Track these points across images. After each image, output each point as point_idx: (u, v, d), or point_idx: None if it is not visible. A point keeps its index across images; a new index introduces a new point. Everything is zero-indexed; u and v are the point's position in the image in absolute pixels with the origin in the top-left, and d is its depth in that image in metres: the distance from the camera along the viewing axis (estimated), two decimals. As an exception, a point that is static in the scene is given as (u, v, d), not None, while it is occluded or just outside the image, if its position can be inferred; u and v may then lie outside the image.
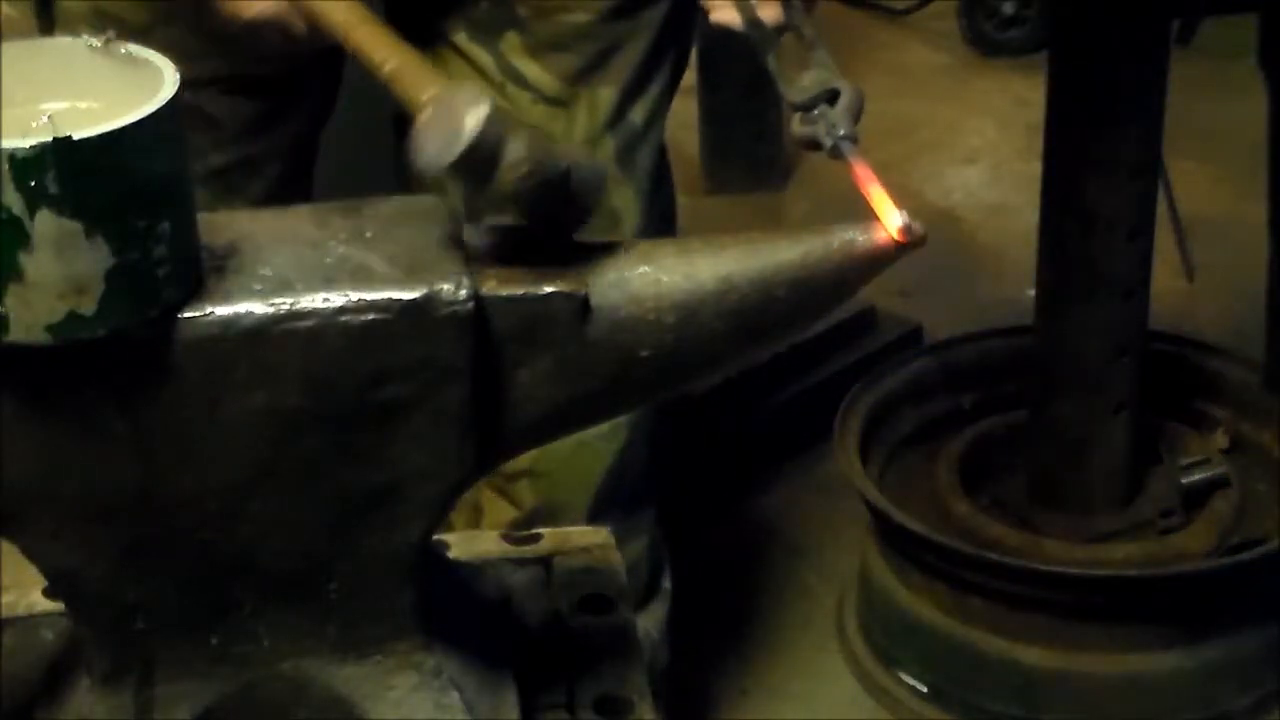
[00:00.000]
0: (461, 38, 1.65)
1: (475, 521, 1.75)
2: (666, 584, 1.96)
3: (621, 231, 1.67)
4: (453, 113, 0.96)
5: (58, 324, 0.85)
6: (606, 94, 1.67)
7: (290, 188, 1.67)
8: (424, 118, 0.98)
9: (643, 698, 1.13)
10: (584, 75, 1.65)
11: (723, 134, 3.65)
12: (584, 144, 1.66)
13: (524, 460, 1.73)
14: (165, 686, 1.00)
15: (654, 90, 1.70)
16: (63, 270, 0.84)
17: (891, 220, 1.01)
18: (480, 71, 1.65)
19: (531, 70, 1.64)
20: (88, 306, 0.85)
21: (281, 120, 1.65)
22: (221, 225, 0.97)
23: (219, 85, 1.57)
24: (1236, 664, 2.14)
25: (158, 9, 1.53)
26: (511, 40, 1.64)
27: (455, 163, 0.95)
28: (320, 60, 1.66)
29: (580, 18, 1.64)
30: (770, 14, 1.22)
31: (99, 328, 0.86)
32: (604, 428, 1.76)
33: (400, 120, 1.80)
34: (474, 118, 0.95)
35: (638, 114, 1.69)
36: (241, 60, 1.57)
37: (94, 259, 0.84)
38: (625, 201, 1.70)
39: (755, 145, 3.63)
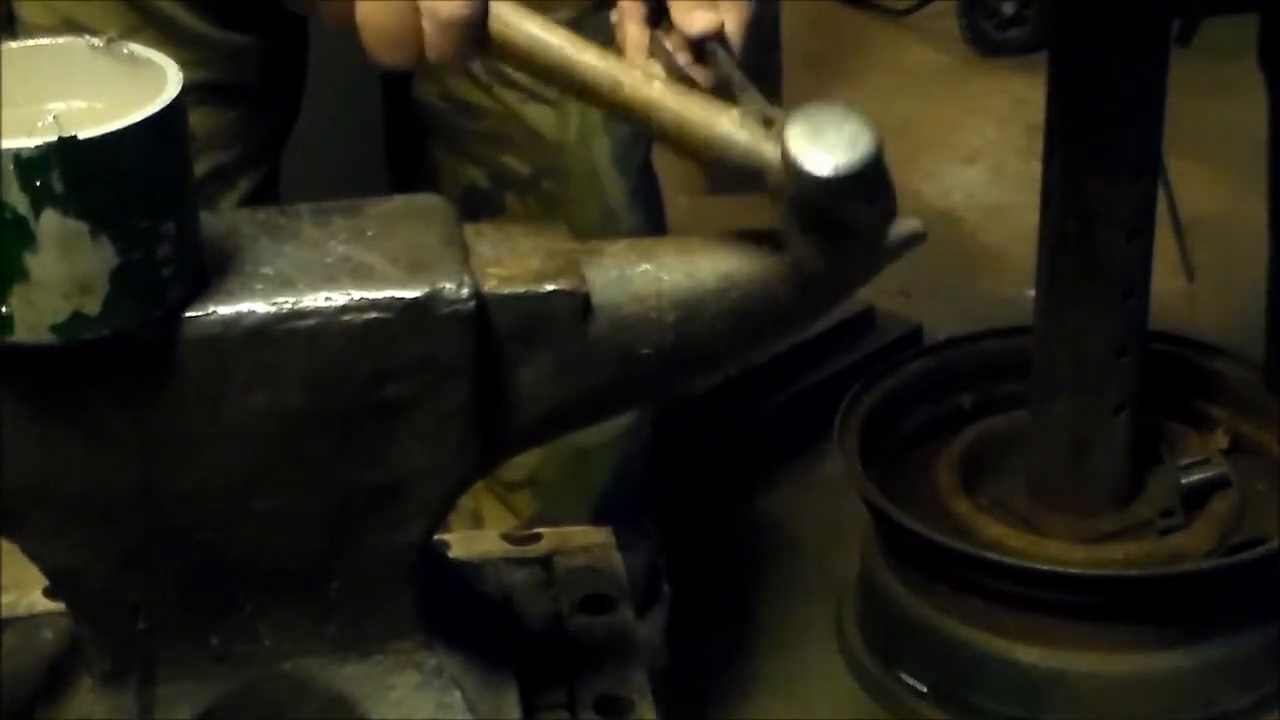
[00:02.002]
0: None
1: (475, 529, 1.75)
2: (665, 588, 1.96)
3: (618, 230, 1.67)
4: (833, 119, 0.94)
5: (62, 324, 0.85)
6: None
7: (261, 200, 1.65)
8: (797, 129, 0.95)
9: (643, 698, 1.13)
10: None
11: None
12: (578, 143, 1.66)
13: (524, 470, 1.73)
14: (167, 686, 1.01)
15: None
16: (68, 270, 0.84)
17: None
18: (467, 73, 1.64)
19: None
20: (92, 306, 0.85)
21: (252, 130, 1.64)
22: (222, 224, 0.97)
23: (192, 95, 1.56)
24: (1236, 664, 2.14)
25: (129, 18, 1.52)
26: None
27: (865, 168, 0.93)
28: (290, 65, 1.66)
29: (562, 15, 1.62)
30: (699, 72, 1.21)
31: (103, 327, 0.86)
32: (605, 438, 1.76)
33: (393, 122, 1.80)
34: (865, 123, 0.94)
35: None
36: (216, 69, 1.56)
37: (99, 259, 0.84)
38: (620, 200, 1.69)
39: None
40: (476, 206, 1.66)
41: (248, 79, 1.60)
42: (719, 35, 1.12)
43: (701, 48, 1.12)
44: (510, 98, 1.64)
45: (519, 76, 1.64)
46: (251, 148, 1.64)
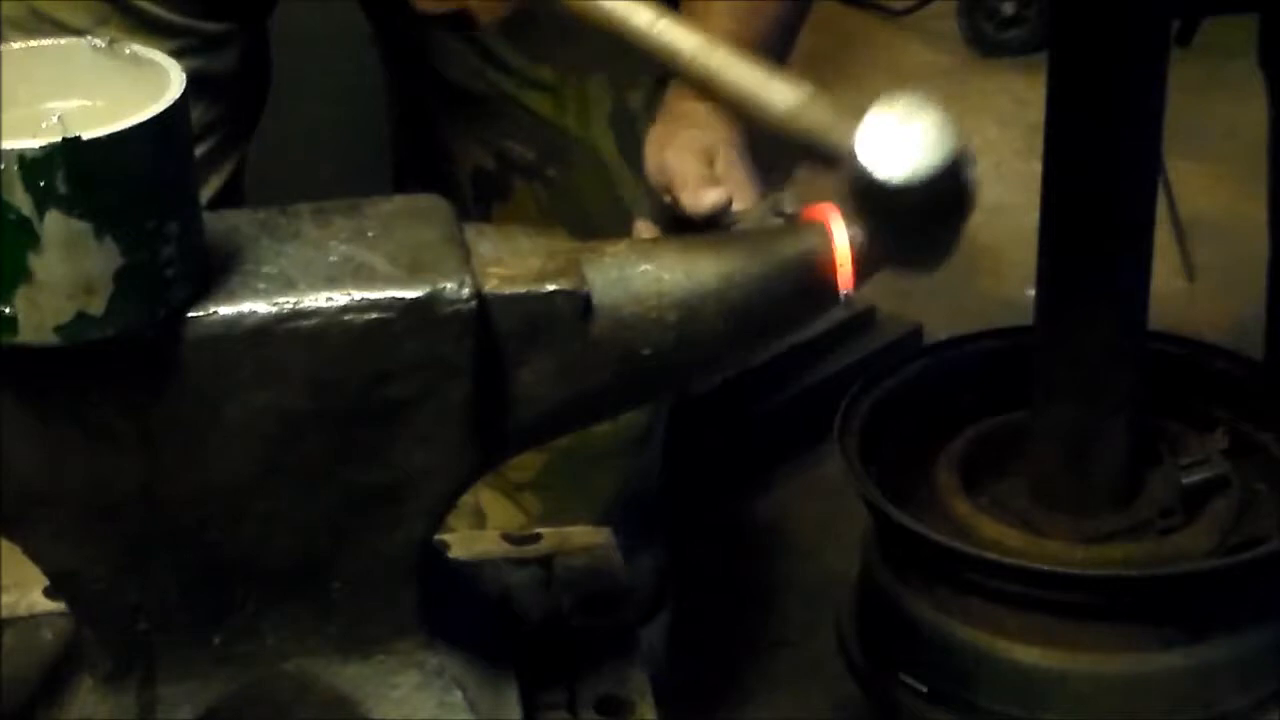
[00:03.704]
0: (441, 26, 1.64)
1: (477, 527, 1.74)
2: (670, 592, 1.96)
3: (634, 227, 1.66)
4: (917, 117, 0.91)
5: (66, 325, 0.85)
6: (599, 81, 1.65)
7: (228, 198, 1.64)
8: (874, 126, 0.91)
9: (643, 698, 1.14)
10: (569, 59, 1.63)
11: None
12: (579, 130, 1.65)
13: (530, 473, 1.72)
14: (168, 686, 1.01)
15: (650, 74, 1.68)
16: (72, 271, 0.84)
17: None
18: (461, 59, 1.63)
19: (512, 55, 1.63)
20: (96, 307, 0.85)
21: (221, 124, 1.62)
22: (223, 224, 0.97)
23: None
24: (1236, 664, 2.13)
25: (97, 10, 1.51)
26: (493, 24, 1.62)
27: (947, 174, 0.89)
28: (256, 56, 1.64)
29: None
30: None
31: (107, 328, 0.86)
32: (614, 448, 1.75)
33: (397, 108, 1.80)
34: (949, 127, 0.90)
35: (635, 100, 1.67)
36: (186, 59, 1.55)
37: (103, 259, 0.84)
38: (633, 195, 1.68)
39: (755, 146, 3.61)
40: (485, 189, 1.66)
41: (216, 70, 1.58)
42: (728, 209, 1.12)
43: (716, 225, 1.12)
44: (506, 83, 1.63)
45: (513, 61, 1.63)
46: (221, 142, 1.62)
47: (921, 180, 0.90)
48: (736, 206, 1.16)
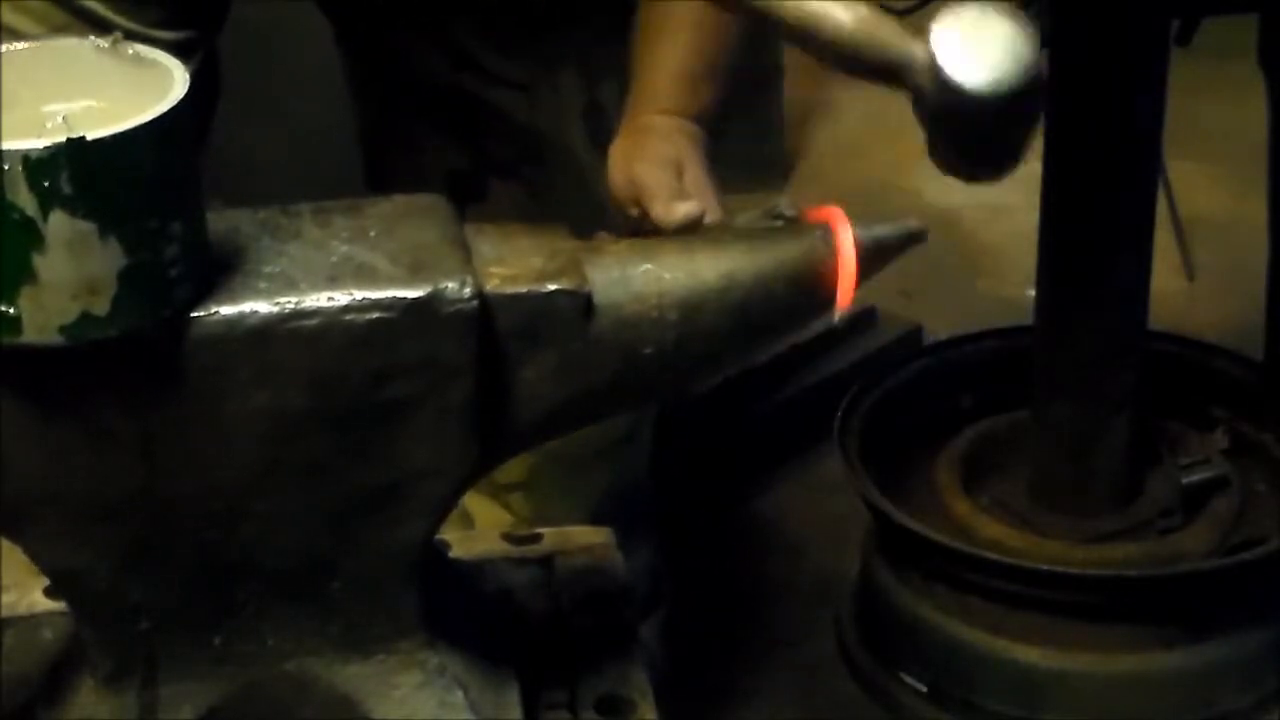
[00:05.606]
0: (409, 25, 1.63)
1: (465, 529, 1.74)
2: (666, 590, 1.96)
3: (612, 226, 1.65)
4: (992, 19, 0.87)
5: (71, 325, 0.85)
6: (569, 77, 1.64)
7: None
8: (950, 31, 0.87)
9: (644, 698, 1.14)
10: (540, 53, 1.62)
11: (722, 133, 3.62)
12: (551, 130, 1.64)
13: (517, 475, 1.72)
14: (169, 686, 1.01)
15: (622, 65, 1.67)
16: (76, 271, 0.84)
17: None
18: (431, 60, 1.62)
19: (484, 54, 1.62)
20: (101, 307, 0.85)
21: None
22: (224, 224, 0.97)
23: None
24: (1236, 664, 2.13)
25: (53, 16, 1.50)
26: (464, 22, 1.61)
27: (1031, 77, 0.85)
28: (207, 69, 1.63)
29: None
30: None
31: (112, 328, 0.86)
32: (599, 447, 1.75)
33: (368, 125, 1.78)
34: (1024, 27, 0.86)
35: (607, 95, 1.66)
36: None
37: (107, 259, 0.84)
38: (606, 191, 1.68)
39: (755, 145, 3.62)
40: (460, 191, 1.65)
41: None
42: (699, 222, 1.11)
43: None
44: (478, 83, 1.62)
45: (484, 60, 1.62)
46: None
47: (1004, 86, 0.87)
48: (708, 219, 1.16)
